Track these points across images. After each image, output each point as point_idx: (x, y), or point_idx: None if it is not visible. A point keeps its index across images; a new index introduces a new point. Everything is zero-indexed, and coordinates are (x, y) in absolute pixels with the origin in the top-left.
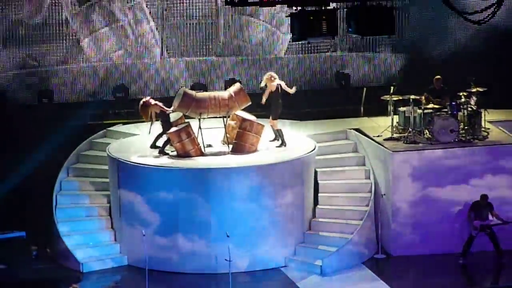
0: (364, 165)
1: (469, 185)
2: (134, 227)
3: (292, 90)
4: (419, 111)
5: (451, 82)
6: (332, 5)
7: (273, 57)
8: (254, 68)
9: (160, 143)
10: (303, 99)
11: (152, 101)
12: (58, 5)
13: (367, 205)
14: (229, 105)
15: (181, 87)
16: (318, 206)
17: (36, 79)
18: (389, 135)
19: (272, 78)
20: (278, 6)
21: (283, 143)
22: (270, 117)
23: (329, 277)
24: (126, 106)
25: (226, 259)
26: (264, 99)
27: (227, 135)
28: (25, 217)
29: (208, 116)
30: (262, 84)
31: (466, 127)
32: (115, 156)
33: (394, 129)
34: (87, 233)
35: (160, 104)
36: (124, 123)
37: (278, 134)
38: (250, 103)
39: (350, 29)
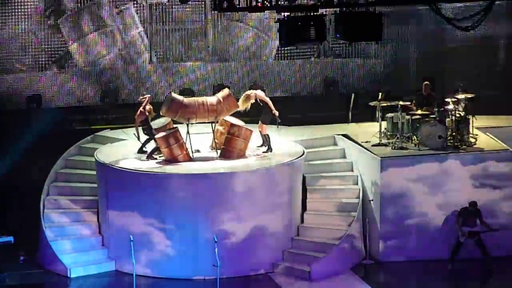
0: (352, 170)
1: (457, 191)
2: (122, 232)
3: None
4: (407, 117)
5: (439, 88)
6: (320, 11)
7: (262, 62)
8: (242, 74)
9: (148, 148)
10: (291, 105)
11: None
12: (48, 10)
13: (355, 211)
14: (217, 111)
15: (170, 92)
16: (306, 211)
17: (24, 84)
18: (377, 141)
19: (248, 96)
20: (266, 11)
21: (269, 149)
22: (260, 122)
23: (317, 282)
24: (114, 111)
25: (213, 265)
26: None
27: (216, 140)
28: (13, 222)
29: (197, 122)
30: (242, 108)
31: (454, 133)
32: (102, 161)
33: (382, 135)
34: (74, 238)
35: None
36: (111, 128)
37: (265, 139)
38: (238, 108)
39: (338, 35)
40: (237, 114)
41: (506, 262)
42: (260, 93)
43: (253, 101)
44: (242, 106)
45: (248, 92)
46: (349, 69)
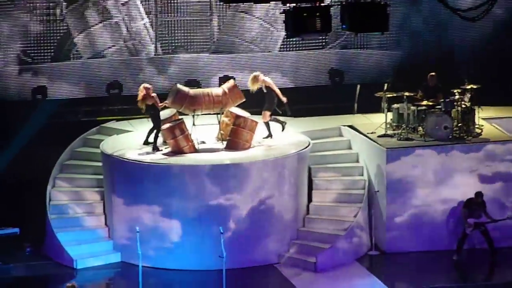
0: (357, 162)
1: (463, 182)
2: (128, 223)
3: (283, 99)
4: (413, 108)
5: (444, 79)
6: (326, 2)
7: (267, 53)
8: (248, 65)
9: (152, 138)
10: (296, 96)
11: (151, 93)
12: (52, 1)
13: (361, 202)
14: (223, 102)
15: (175, 84)
16: (312, 202)
17: (29, 76)
18: (383, 132)
19: (255, 77)
20: (272, 2)
21: (269, 135)
22: (263, 111)
23: (323, 273)
24: (120, 103)
25: (220, 256)
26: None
27: (221, 131)
28: (19, 213)
29: (202, 113)
30: (251, 88)
31: (459, 124)
32: (108, 152)
33: (388, 126)
34: (80, 230)
35: (156, 98)
36: (117, 120)
37: (266, 126)
38: (244, 100)
39: (343, 26)
40: (242, 106)
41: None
42: (267, 79)
43: (259, 85)
44: (250, 86)
45: (256, 73)
46: (355, 60)
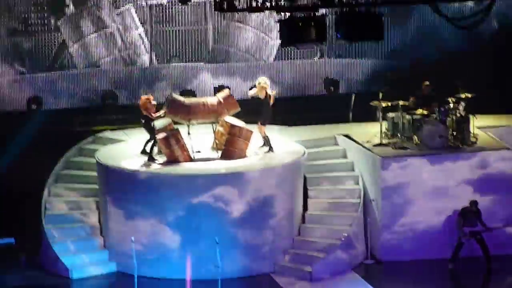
0: (353, 170)
1: (458, 191)
2: (123, 233)
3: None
4: (408, 117)
5: (438, 87)
6: (321, 11)
7: (262, 63)
8: (243, 74)
9: (148, 148)
10: (292, 105)
11: (151, 101)
12: (47, 11)
13: (356, 211)
14: (218, 111)
15: (170, 93)
16: (308, 211)
17: (25, 86)
18: (378, 141)
19: (261, 86)
20: (267, 12)
21: (270, 149)
22: (259, 122)
23: (319, 282)
24: (115, 113)
25: (215, 265)
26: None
27: (216, 141)
28: (14, 223)
29: (197, 122)
30: (252, 93)
31: (454, 133)
32: (104, 162)
33: (383, 135)
34: (76, 240)
35: (153, 108)
36: (112, 129)
37: (266, 140)
38: (239, 109)
39: (338, 35)
40: (237, 115)
41: (507, 260)
42: (271, 91)
43: (263, 95)
44: (258, 92)
45: (262, 81)
46: (350, 69)
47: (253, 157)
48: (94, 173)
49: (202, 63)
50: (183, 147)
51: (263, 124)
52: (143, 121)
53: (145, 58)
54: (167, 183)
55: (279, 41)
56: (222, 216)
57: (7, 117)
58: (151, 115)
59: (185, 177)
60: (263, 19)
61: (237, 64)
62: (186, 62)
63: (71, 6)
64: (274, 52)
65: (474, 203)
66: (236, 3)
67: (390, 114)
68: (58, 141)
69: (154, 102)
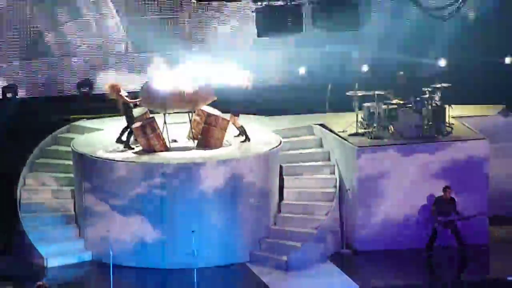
0: (329, 160)
1: (433, 180)
2: (98, 222)
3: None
4: (384, 106)
5: (414, 78)
6: (297, 1)
7: (238, 52)
8: (219, 64)
9: (125, 137)
10: (268, 94)
11: (121, 91)
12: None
13: (332, 200)
14: (194, 100)
15: (146, 82)
16: (284, 201)
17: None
18: (354, 130)
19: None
20: (243, 1)
21: (247, 138)
22: (230, 114)
23: (295, 272)
24: (91, 101)
25: (190, 254)
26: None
27: (193, 130)
28: None
29: (173, 111)
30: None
31: (430, 123)
32: (79, 151)
33: (359, 124)
34: (51, 229)
35: (125, 95)
36: (88, 118)
37: (241, 130)
38: (215, 98)
39: (315, 24)
40: (213, 104)
41: (480, 249)
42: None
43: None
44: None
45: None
46: (327, 59)
47: (229, 146)
48: (70, 162)
49: (178, 52)
50: (159, 136)
51: (235, 115)
52: (121, 109)
53: (121, 47)
54: (142, 171)
55: (255, 31)
56: (198, 206)
57: None
58: (127, 101)
59: (160, 166)
60: (240, 9)
61: (213, 53)
62: (161, 50)
63: None
64: (251, 41)
65: (447, 188)
66: None
67: (366, 104)
68: (34, 130)
69: (125, 93)
